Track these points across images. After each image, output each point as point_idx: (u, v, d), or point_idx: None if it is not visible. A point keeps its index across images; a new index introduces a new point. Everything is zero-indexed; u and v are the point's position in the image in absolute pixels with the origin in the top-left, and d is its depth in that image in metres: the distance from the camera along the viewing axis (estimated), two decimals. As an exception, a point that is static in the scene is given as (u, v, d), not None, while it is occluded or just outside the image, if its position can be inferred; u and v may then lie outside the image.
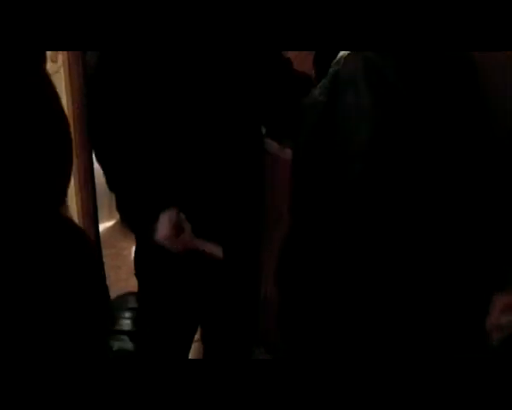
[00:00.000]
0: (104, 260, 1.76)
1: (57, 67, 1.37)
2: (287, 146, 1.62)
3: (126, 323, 0.87)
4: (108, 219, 3.20)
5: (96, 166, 1.65)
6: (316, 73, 1.21)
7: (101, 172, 1.46)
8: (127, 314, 0.89)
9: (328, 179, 1.02)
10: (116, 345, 0.84)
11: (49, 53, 1.35)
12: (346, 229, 0.99)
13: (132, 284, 1.74)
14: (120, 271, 2.55)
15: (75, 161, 1.44)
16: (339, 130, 0.96)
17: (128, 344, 0.86)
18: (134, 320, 0.90)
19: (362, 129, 0.94)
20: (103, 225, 3.13)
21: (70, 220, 0.95)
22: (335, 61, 0.98)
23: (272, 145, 1.73)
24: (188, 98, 1.34)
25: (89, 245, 0.95)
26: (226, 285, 1.52)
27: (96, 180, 1.65)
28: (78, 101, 1.39)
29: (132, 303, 0.91)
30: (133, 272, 1.54)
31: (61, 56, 1.36)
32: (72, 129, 1.41)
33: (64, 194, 0.83)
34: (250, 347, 1.67)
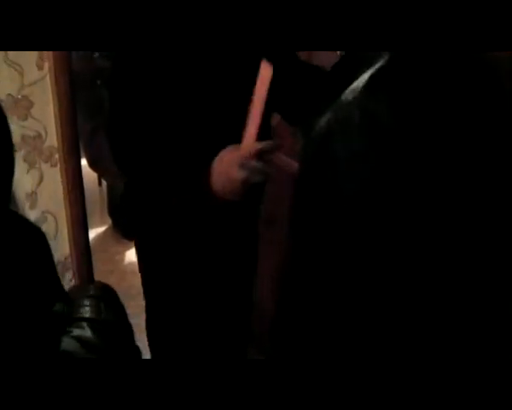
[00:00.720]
0: (96, 264, 1.77)
1: (43, 74, 1.37)
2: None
3: (86, 310, 0.87)
4: (100, 225, 3.22)
5: (85, 171, 1.66)
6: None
7: (92, 178, 1.46)
8: (87, 302, 0.89)
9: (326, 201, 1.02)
10: (76, 332, 0.84)
11: (35, 60, 1.37)
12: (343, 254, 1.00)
13: (124, 289, 1.75)
14: (112, 275, 2.56)
15: (63, 166, 1.45)
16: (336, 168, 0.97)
17: (87, 332, 0.85)
18: (94, 308, 0.90)
19: (355, 172, 0.94)
20: (95, 231, 3.15)
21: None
22: (337, 102, 0.98)
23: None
24: (199, 93, 1.32)
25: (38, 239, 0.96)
26: (221, 286, 1.52)
27: (87, 186, 1.66)
28: (65, 107, 1.40)
29: (92, 291, 0.92)
30: (124, 276, 1.55)
31: (47, 64, 1.37)
32: (59, 135, 1.43)
33: (8, 190, 0.83)
34: (244, 347, 1.67)
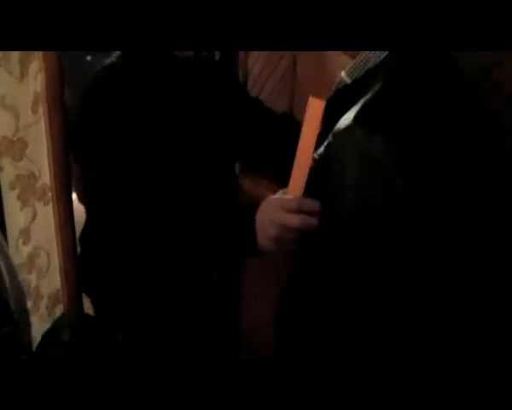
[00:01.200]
0: (86, 298, 1.83)
1: (38, 117, 1.45)
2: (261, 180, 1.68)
3: (63, 335, 0.93)
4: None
5: (75, 205, 1.73)
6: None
7: (82, 211, 1.53)
8: (67, 330, 0.95)
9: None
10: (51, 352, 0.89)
11: (30, 105, 1.45)
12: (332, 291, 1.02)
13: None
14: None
15: (55, 204, 1.53)
16: (327, 196, 0.97)
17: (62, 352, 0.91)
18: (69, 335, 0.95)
19: (345, 200, 0.93)
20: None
21: None
22: (333, 132, 0.97)
23: (246, 183, 1.81)
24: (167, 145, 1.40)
25: None
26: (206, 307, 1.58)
27: (78, 219, 1.72)
28: (57, 149, 1.48)
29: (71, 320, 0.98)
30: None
31: (42, 108, 1.45)
32: (52, 175, 1.51)
33: None
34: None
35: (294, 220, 1.01)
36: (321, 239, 0.99)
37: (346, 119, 0.95)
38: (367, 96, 0.94)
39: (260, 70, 1.94)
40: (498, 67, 0.75)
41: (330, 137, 0.96)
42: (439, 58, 0.98)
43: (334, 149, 0.94)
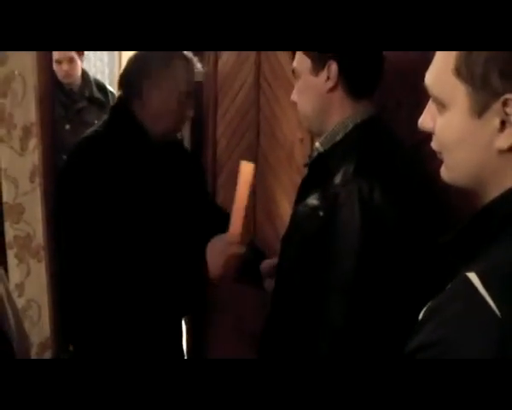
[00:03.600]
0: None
1: (34, 186, 1.68)
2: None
3: None
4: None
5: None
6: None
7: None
8: None
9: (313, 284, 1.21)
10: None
11: (28, 176, 1.68)
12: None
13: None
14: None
15: (47, 262, 1.74)
16: (335, 242, 1.18)
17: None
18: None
19: (352, 245, 1.15)
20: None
21: None
22: (336, 184, 1.21)
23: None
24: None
25: None
26: None
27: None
28: (51, 213, 1.70)
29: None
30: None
31: (38, 178, 1.68)
32: (45, 236, 1.72)
33: None
34: None
35: (235, 250, 1.49)
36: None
37: (340, 176, 1.22)
38: (352, 160, 1.21)
39: (227, 143, 2.21)
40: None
41: (337, 189, 1.20)
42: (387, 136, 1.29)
43: (343, 199, 1.18)
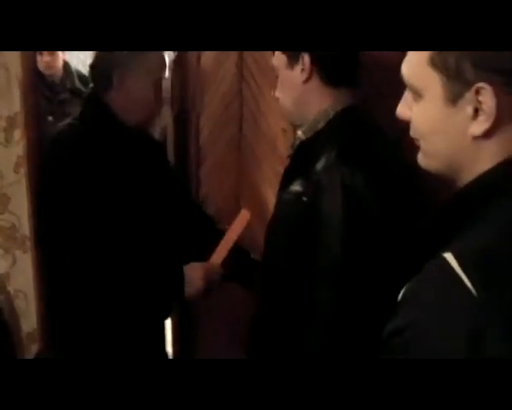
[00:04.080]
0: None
1: (19, 177, 1.69)
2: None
3: None
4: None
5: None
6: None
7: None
8: None
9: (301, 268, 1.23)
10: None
11: (12, 166, 1.69)
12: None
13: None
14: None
15: (33, 252, 1.74)
16: (320, 227, 1.20)
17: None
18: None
19: (336, 230, 1.18)
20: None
21: None
22: (318, 170, 1.24)
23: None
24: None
25: None
26: None
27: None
28: (36, 203, 1.71)
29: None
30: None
31: (23, 169, 1.68)
32: (31, 226, 1.73)
33: None
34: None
35: (214, 277, 1.71)
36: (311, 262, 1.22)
37: (323, 162, 1.24)
38: (334, 146, 1.24)
39: (209, 133, 2.23)
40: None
41: (317, 175, 1.23)
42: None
43: (326, 185, 1.21)
